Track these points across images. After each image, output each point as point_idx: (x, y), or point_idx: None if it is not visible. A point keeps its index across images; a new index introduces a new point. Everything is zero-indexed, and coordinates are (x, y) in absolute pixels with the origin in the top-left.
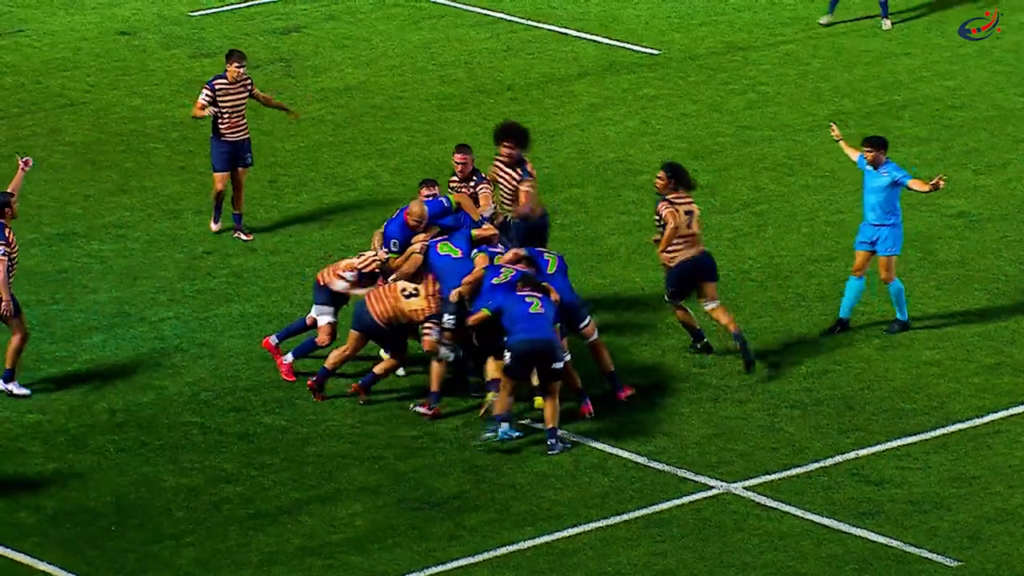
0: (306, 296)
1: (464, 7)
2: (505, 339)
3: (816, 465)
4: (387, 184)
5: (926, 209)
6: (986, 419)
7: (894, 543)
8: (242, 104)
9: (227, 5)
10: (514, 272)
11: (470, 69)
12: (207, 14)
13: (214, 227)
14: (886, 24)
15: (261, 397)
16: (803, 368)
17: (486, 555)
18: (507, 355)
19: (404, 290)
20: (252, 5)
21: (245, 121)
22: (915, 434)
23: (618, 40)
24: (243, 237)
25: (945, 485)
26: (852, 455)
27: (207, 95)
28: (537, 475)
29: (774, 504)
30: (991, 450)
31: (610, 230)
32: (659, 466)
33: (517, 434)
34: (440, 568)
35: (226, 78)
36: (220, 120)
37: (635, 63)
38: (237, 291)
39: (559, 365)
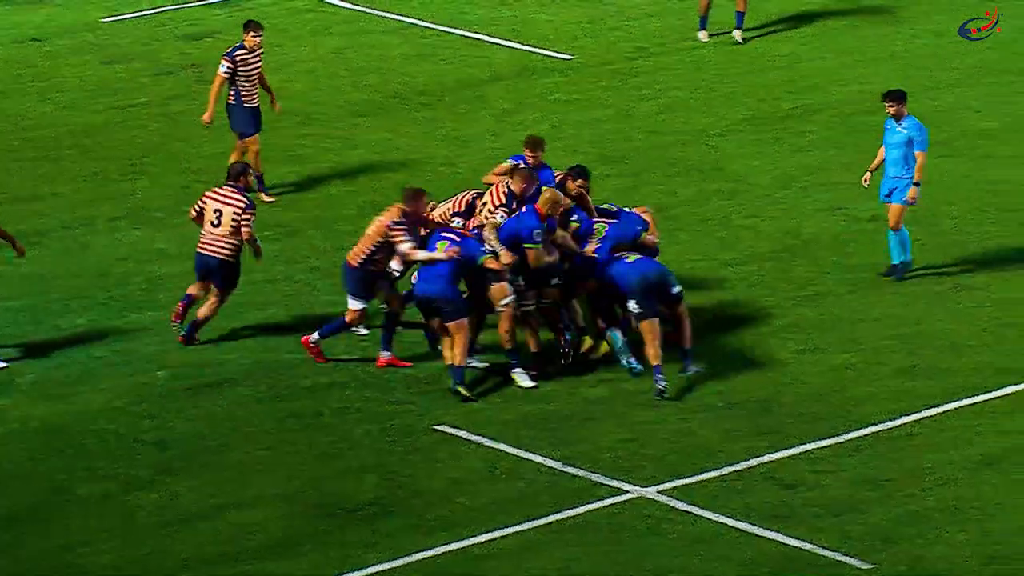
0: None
1: (377, 12)
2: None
3: (730, 469)
4: (301, 190)
5: (839, 213)
6: (899, 422)
7: (807, 546)
8: (257, 71)
9: (139, 11)
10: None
11: (383, 75)
12: (119, 20)
13: (267, 198)
14: (737, 36)
15: (176, 403)
16: (717, 372)
17: (402, 561)
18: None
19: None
20: (164, 11)
21: (258, 88)
22: (828, 437)
23: (530, 45)
24: (266, 198)
25: (858, 488)
26: (766, 458)
27: (228, 67)
28: (452, 481)
29: (688, 508)
30: (904, 453)
31: None
32: (573, 471)
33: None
34: (356, 574)
35: (245, 48)
36: (242, 88)
37: (547, 68)
38: (151, 297)
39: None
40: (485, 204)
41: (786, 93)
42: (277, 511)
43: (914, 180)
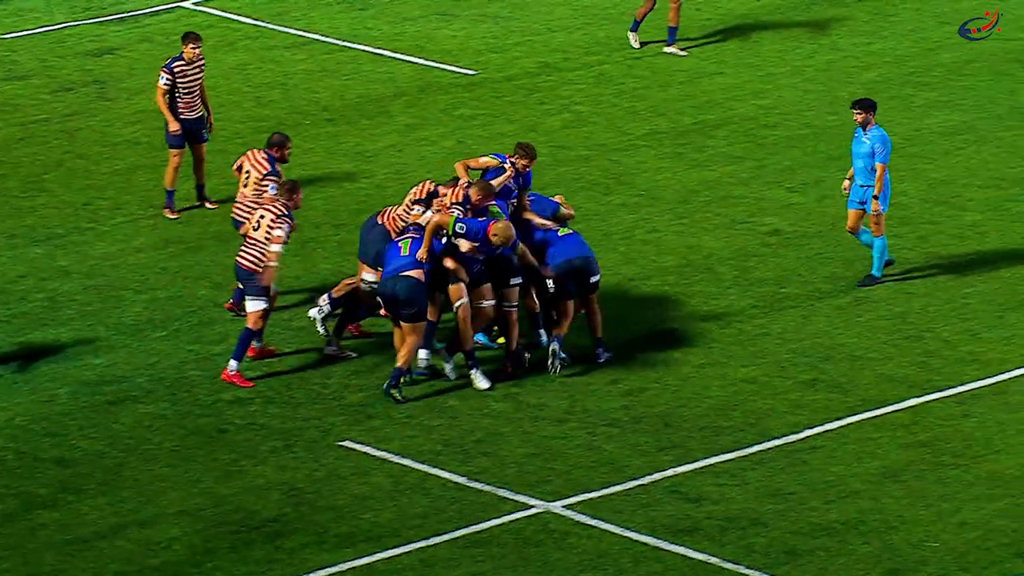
0: (122, 318)
1: (279, 28)
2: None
3: (635, 483)
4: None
5: (741, 227)
6: (802, 435)
7: (712, 559)
8: (198, 83)
9: (39, 27)
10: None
11: (286, 91)
12: (19, 36)
13: (171, 215)
14: (633, 40)
15: (77, 421)
16: (621, 386)
17: None
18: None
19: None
20: (64, 28)
21: (199, 100)
22: (732, 451)
23: (434, 61)
24: (208, 205)
25: (762, 501)
26: (670, 472)
27: (167, 79)
28: (357, 497)
29: (593, 522)
30: (807, 466)
31: None
32: (479, 486)
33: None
34: None
35: (183, 59)
36: (178, 100)
37: (451, 84)
38: (52, 315)
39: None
40: (444, 197)
41: (688, 108)
42: (180, 528)
43: (873, 193)
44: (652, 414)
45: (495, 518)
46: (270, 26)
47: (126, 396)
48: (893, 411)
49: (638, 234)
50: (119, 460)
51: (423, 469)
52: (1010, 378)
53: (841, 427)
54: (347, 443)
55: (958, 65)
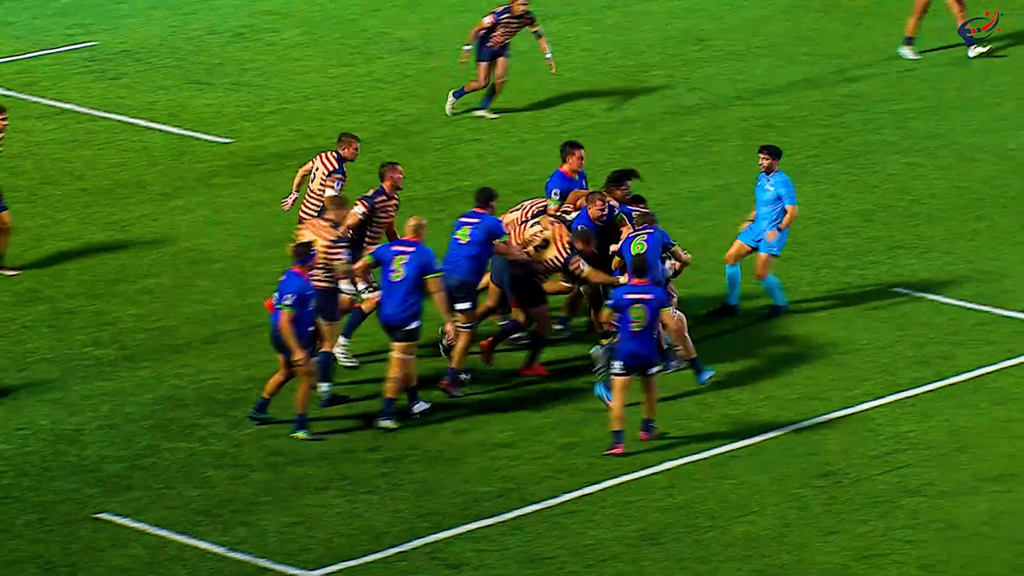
0: None
1: (30, 98)
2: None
3: (395, 550)
4: None
5: None
6: (561, 499)
7: None
8: None
9: None
10: None
11: (37, 160)
12: None
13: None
14: (484, 114)
15: None
16: (380, 454)
17: None
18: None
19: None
20: None
21: None
22: (491, 516)
23: (188, 129)
24: (8, 273)
25: (522, 566)
26: (430, 539)
27: None
28: (114, 569)
29: None
30: (567, 530)
31: (185, 319)
32: (239, 556)
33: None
34: None
35: None
36: None
37: (206, 152)
38: None
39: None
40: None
41: (444, 175)
42: None
43: (779, 226)
44: (411, 481)
45: None
46: (21, 96)
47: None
48: (651, 474)
49: None
50: None
51: (182, 540)
52: (765, 439)
53: (600, 490)
54: (104, 515)
55: (707, 131)
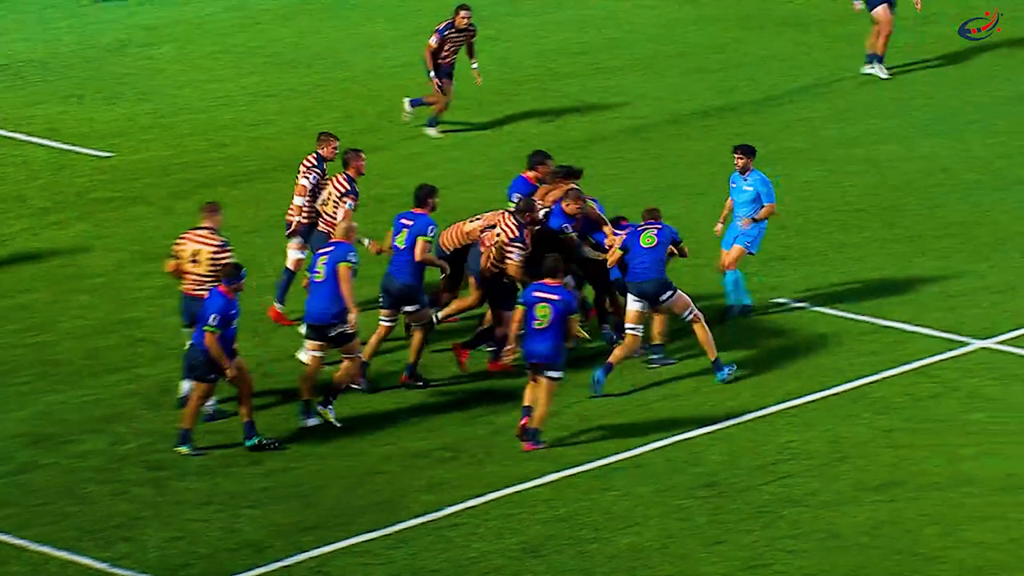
0: None
1: None
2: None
3: (277, 565)
4: None
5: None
6: (444, 512)
7: None
8: None
9: None
10: None
11: None
12: None
13: None
14: (431, 132)
15: None
16: (261, 467)
17: None
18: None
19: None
20: None
21: None
22: (375, 530)
23: (67, 143)
24: None
25: None
26: (314, 552)
27: None
28: None
29: None
30: (450, 543)
31: (64, 334)
32: (121, 572)
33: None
34: None
35: None
36: None
37: (85, 166)
38: None
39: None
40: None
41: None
42: None
43: (755, 218)
44: (293, 494)
45: None
46: None
47: None
48: (533, 486)
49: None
50: None
51: (63, 556)
52: (648, 451)
53: (483, 503)
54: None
55: (585, 143)
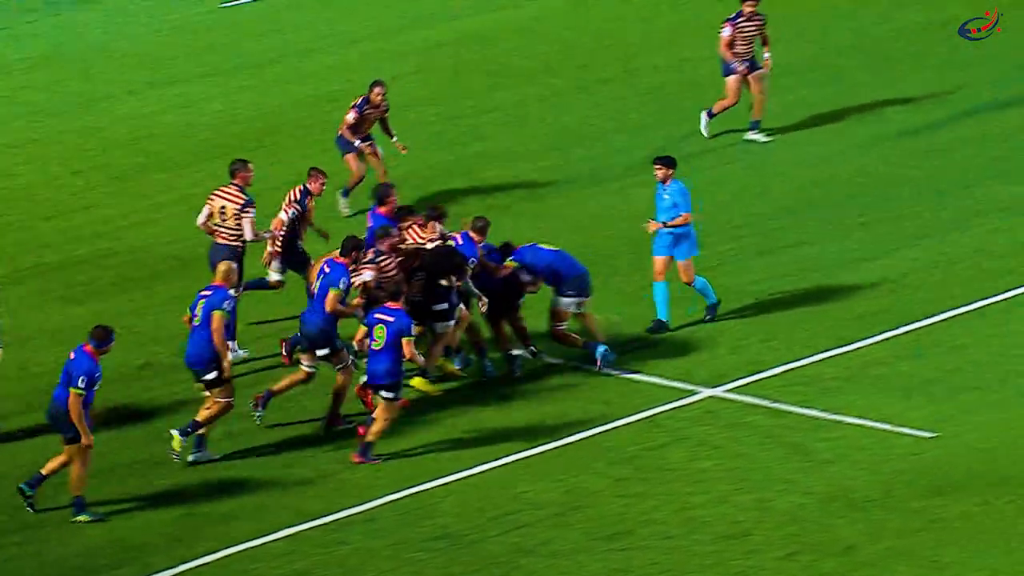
0: None
1: None
2: None
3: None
4: None
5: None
6: (181, 568)
7: None
8: None
9: None
10: None
11: None
12: None
13: None
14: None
15: None
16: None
17: None
18: None
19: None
20: None
21: None
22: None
23: None
24: None
25: None
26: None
27: None
28: None
29: None
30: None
31: None
32: None
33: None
34: None
35: None
36: None
37: None
38: None
39: None
40: None
41: (72, 241)
42: None
43: (669, 224)
44: (27, 553)
45: None
46: None
47: None
48: (270, 540)
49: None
50: None
51: None
52: (380, 504)
53: (220, 558)
54: None
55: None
